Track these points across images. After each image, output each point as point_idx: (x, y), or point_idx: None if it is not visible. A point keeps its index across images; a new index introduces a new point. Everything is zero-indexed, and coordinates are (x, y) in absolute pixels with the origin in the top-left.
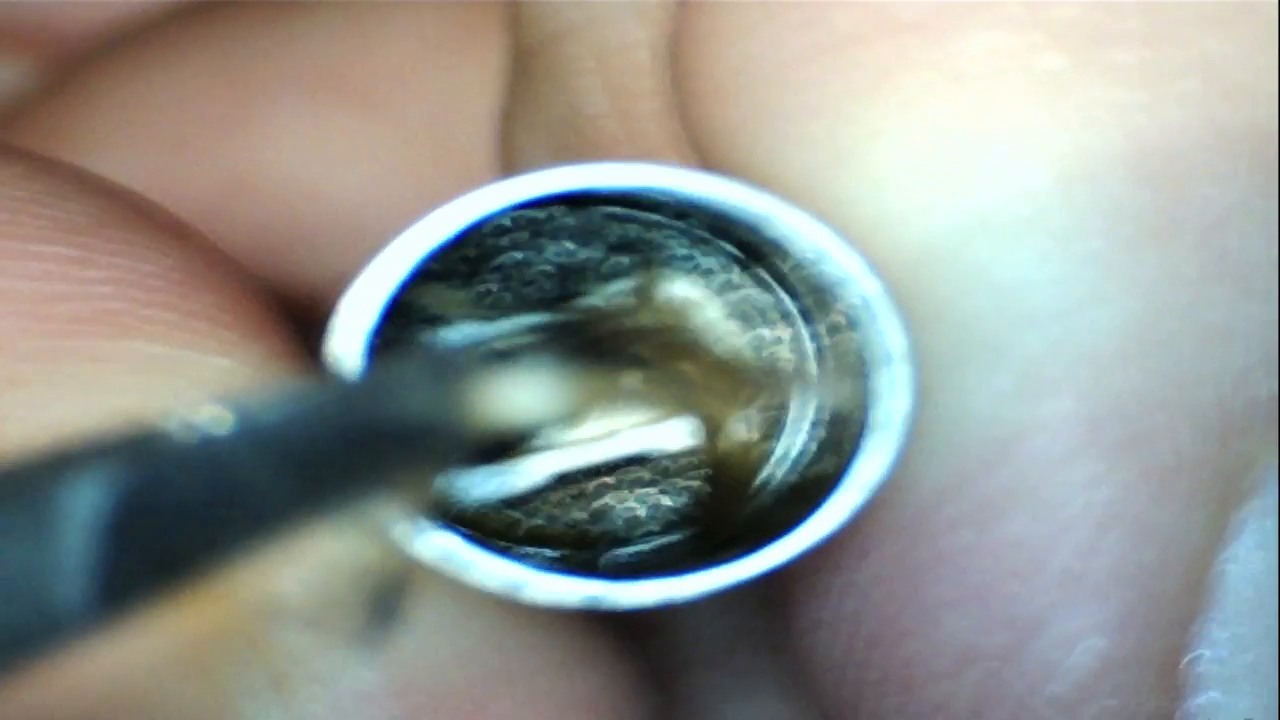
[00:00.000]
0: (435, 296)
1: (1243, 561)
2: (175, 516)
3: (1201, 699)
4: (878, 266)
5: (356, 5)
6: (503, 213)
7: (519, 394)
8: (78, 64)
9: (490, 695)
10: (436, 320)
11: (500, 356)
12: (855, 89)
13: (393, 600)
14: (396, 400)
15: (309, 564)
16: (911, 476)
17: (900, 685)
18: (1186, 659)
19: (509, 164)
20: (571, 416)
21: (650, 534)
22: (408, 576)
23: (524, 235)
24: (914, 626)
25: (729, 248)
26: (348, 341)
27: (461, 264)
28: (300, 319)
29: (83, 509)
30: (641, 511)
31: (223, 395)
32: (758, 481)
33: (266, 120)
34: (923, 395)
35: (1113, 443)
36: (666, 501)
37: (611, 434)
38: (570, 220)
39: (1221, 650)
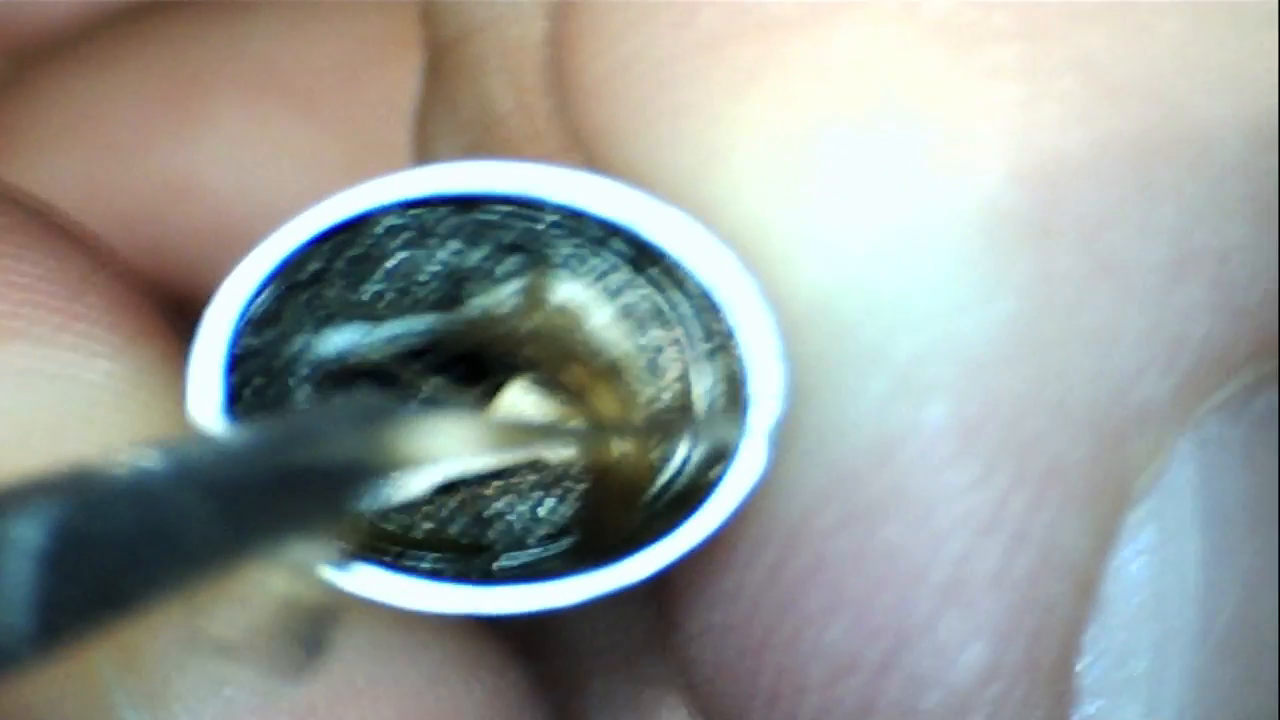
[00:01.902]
0: (321, 299)
1: (1129, 567)
2: (109, 550)
3: (1090, 708)
4: (749, 268)
5: (294, 6)
6: (377, 211)
7: (436, 436)
8: (15, 66)
9: (378, 705)
10: (323, 323)
11: (385, 373)
12: (725, 88)
13: (319, 631)
14: (319, 442)
15: (237, 597)
16: (787, 482)
17: (777, 695)
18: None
19: (422, 161)
20: (486, 454)
21: (541, 540)
22: (333, 608)
23: (412, 235)
24: (790, 635)
25: (620, 247)
26: (210, 346)
27: (349, 265)
28: None
29: (27, 539)
30: (531, 517)
31: (156, 436)
32: (655, 487)
33: (205, 121)
34: (798, 399)
35: (989, 447)
36: (557, 507)
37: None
38: (458, 220)
39: (1106, 658)
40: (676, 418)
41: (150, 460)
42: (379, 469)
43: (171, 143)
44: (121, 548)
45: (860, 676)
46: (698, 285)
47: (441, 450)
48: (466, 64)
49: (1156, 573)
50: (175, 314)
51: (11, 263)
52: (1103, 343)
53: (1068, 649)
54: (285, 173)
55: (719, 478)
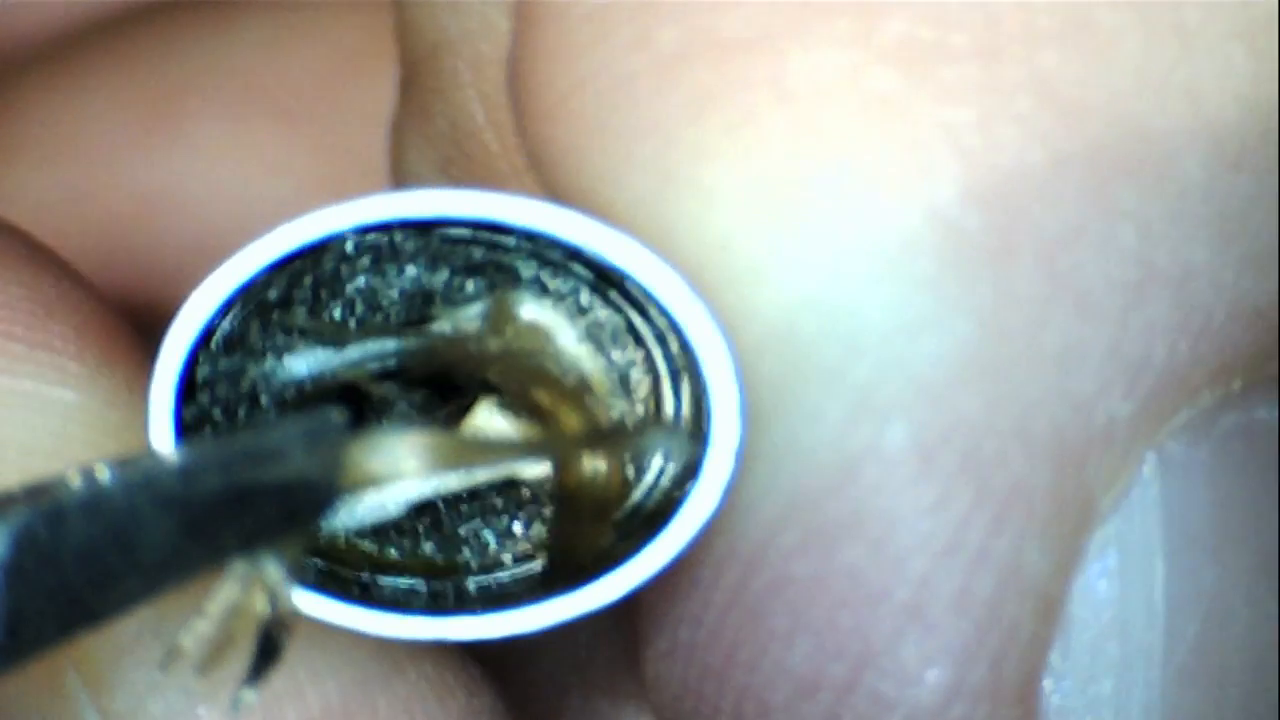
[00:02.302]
0: (281, 324)
1: (1094, 588)
2: (71, 561)
3: None
4: (705, 292)
5: (274, 18)
6: (337, 236)
7: (390, 454)
8: None
9: None
10: (289, 346)
11: (358, 396)
12: (682, 110)
13: (273, 642)
14: (276, 460)
15: (193, 608)
16: (749, 503)
17: (741, 714)
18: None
19: (398, 175)
20: (441, 472)
21: (509, 562)
22: (288, 620)
23: (374, 258)
24: (750, 657)
25: (580, 270)
26: (166, 370)
27: (313, 288)
28: None
29: None
30: (497, 541)
31: (117, 452)
32: (627, 508)
33: (184, 134)
34: (759, 420)
35: (949, 469)
36: (523, 530)
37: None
38: (413, 245)
39: (1072, 679)
40: (636, 428)
41: (109, 476)
42: (332, 486)
43: (150, 155)
44: (82, 559)
45: (824, 697)
46: (659, 309)
47: (395, 467)
48: (439, 78)
49: (1121, 593)
50: (151, 331)
51: None
52: (1063, 364)
53: (1032, 670)
54: (264, 185)
55: (680, 501)
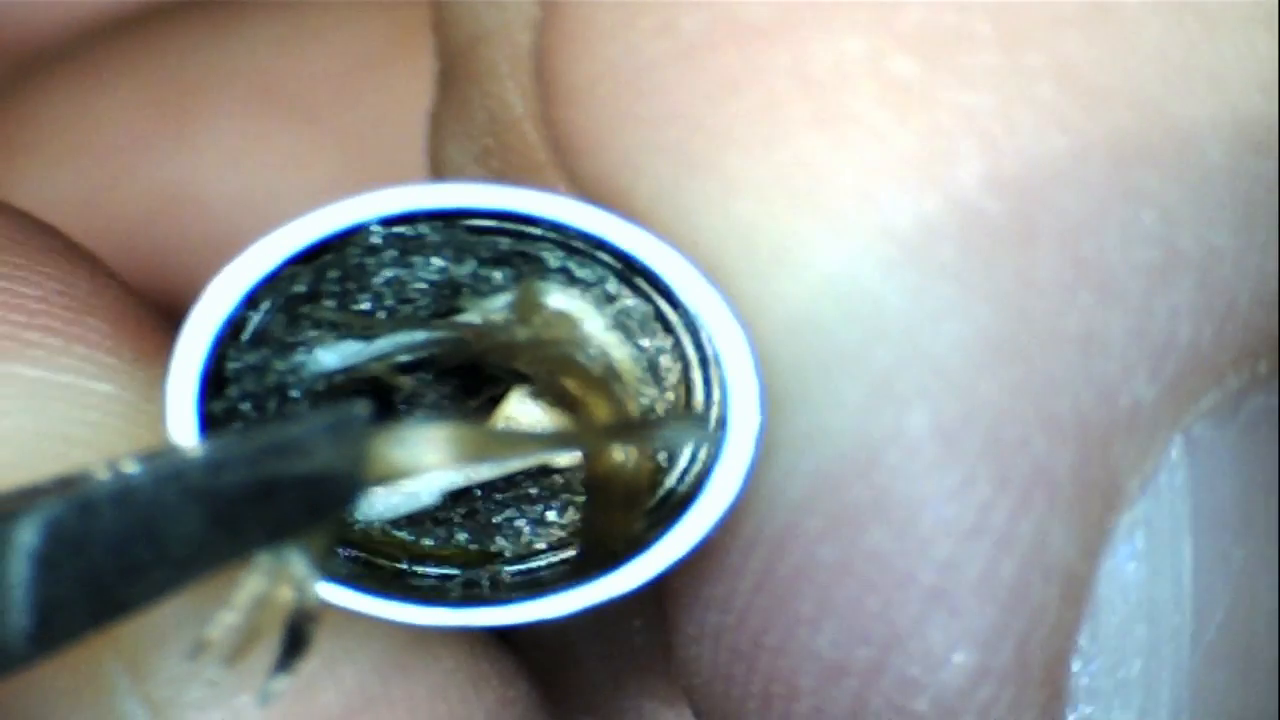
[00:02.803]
0: (310, 317)
1: (1122, 571)
2: (100, 552)
3: (1084, 710)
4: (724, 278)
5: (292, 15)
6: (359, 228)
7: (414, 447)
8: (13, 75)
9: (391, 713)
10: (318, 339)
11: (388, 389)
12: (704, 97)
13: (300, 633)
14: (301, 453)
15: (224, 599)
16: (771, 490)
17: (770, 697)
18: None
19: (436, 167)
20: (466, 464)
21: (544, 550)
22: (314, 611)
23: (394, 252)
24: (778, 641)
25: (607, 258)
26: (182, 364)
27: (340, 281)
28: None
29: (25, 541)
30: (531, 529)
31: (153, 444)
32: (660, 494)
33: (203, 130)
34: (782, 406)
35: (970, 455)
36: (557, 517)
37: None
38: (439, 236)
39: (1100, 661)
40: (658, 419)
41: (137, 468)
42: (357, 479)
43: (170, 152)
44: (111, 550)
45: (851, 680)
46: (681, 298)
47: (419, 460)
48: (477, 70)
49: (1149, 576)
50: (175, 328)
51: (16, 282)
52: (1087, 348)
53: (1060, 652)
54: (284, 182)
55: (702, 488)
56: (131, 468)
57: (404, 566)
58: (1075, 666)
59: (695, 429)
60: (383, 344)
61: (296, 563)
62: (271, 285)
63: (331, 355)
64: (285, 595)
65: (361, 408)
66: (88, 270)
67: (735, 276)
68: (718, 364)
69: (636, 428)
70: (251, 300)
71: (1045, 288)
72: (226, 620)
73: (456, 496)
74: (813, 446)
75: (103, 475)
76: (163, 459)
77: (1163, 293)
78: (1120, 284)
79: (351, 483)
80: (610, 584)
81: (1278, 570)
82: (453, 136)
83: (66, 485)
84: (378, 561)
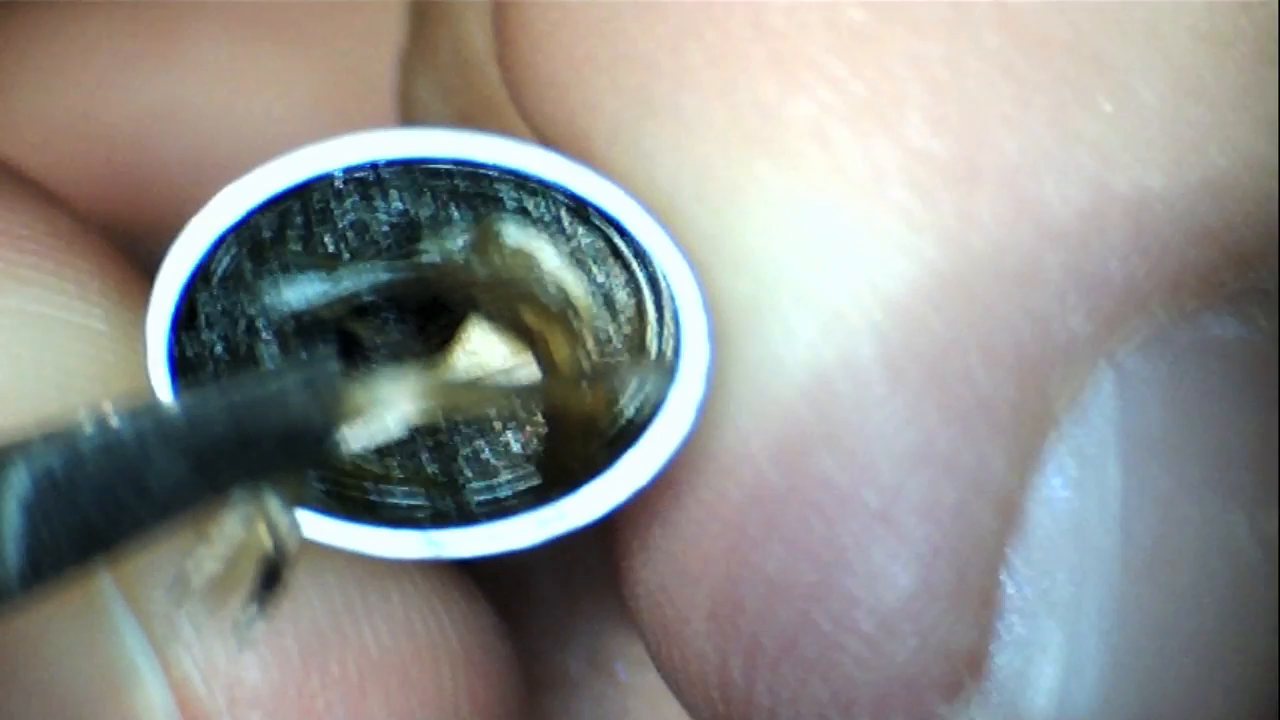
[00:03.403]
0: (276, 259)
1: (1053, 494)
2: (87, 497)
3: (1015, 628)
4: (681, 213)
5: None
6: (324, 176)
7: (386, 398)
8: None
9: (358, 645)
10: (284, 281)
11: (364, 331)
12: (662, 39)
13: (276, 572)
14: (277, 404)
15: (204, 539)
16: (723, 418)
17: (716, 618)
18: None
19: (404, 105)
20: (435, 412)
21: (508, 479)
22: (290, 552)
23: (355, 195)
24: (725, 564)
25: (560, 197)
26: (158, 308)
27: (304, 224)
28: None
29: (16, 486)
30: (495, 456)
31: (127, 394)
32: (620, 422)
33: (187, 52)
34: (733, 340)
35: (914, 385)
36: (520, 446)
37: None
38: (398, 180)
39: (1031, 580)
40: (623, 359)
41: (121, 419)
42: (331, 428)
43: (151, 75)
44: (97, 496)
45: (796, 599)
46: (633, 236)
47: (390, 410)
48: (445, 11)
49: (1078, 498)
50: (153, 257)
51: (8, 222)
52: (1026, 283)
53: (993, 570)
54: (265, 105)
55: (655, 415)
56: (116, 420)
57: (373, 498)
58: (1007, 582)
59: (654, 372)
60: (348, 284)
61: (272, 505)
62: (238, 230)
63: (298, 295)
64: (261, 536)
65: (333, 361)
66: (71, 217)
67: (691, 215)
68: (670, 297)
69: (600, 375)
70: (219, 245)
71: (987, 226)
72: (204, 560)
73: (423, 427)
74: (764, 376)
75: (89, 427)
76: (146, 412)
77: (1098, 232)
78: (1058, 223)
79: (325, 432)
80: (572, 508)
81: (1202, 496)
82: (421, 75)
83: (53, 436)
84: (347, 492)
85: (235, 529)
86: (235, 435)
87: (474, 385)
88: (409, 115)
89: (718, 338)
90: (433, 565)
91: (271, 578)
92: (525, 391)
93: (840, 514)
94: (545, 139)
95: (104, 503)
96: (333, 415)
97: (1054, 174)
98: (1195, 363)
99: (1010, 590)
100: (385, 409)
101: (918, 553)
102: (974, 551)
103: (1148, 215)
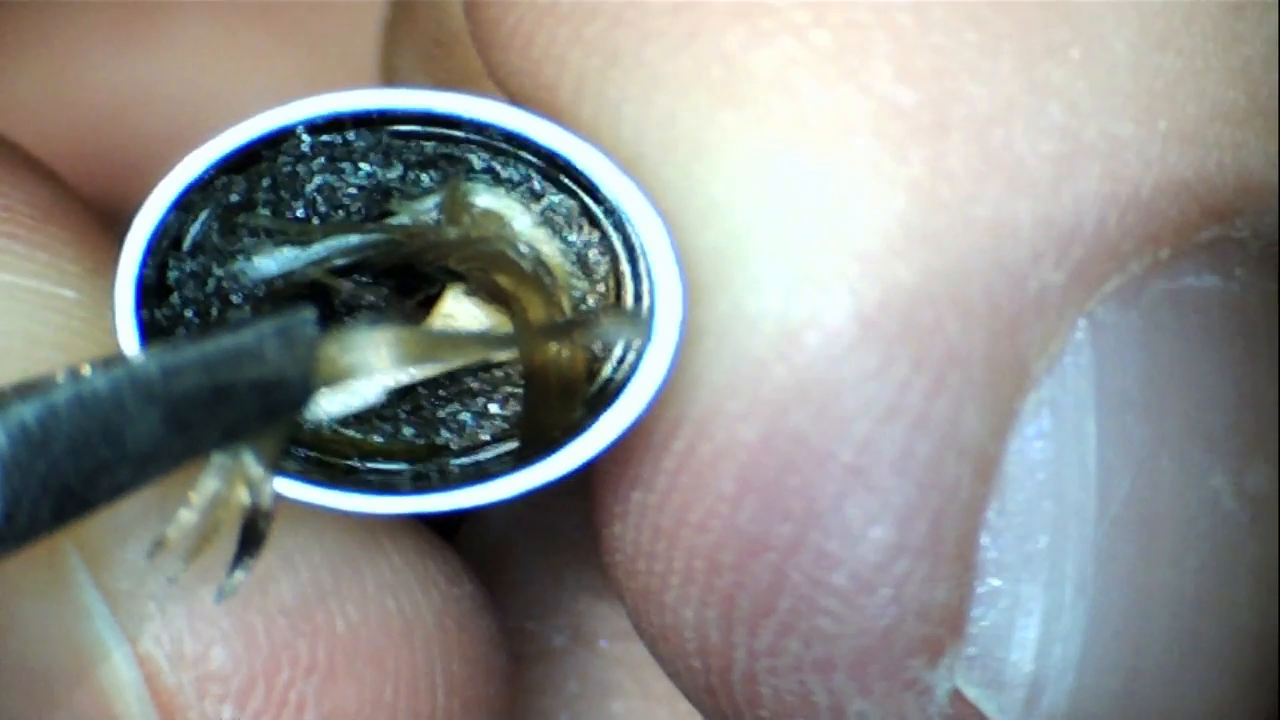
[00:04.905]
0: (246, 225)
1: (1029, 448)
2: (63, 455)
3: (993, 583)
4: (648, 166)
5: None
6: (286, 130)
7: (361, 350)
8: None
9: (342, 607)
10: (255, 247)
11: (325, 290)
12: None
13: (255, 530)
14: (253, 358)
15: (181, 498)
16: (694, 374)
17: (689, 576)
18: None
19: (387, 76)
20: (411, 365)
21: (488, 441)
22: (268, 510)
23: (323, 160)
24: (700, 518)
25: (530, 157)
26: (126, 272)
27: (272, 189)
28: None
29: None
30: (474, 421)
31: (105, 351)
32: (598, 382)
33: (168, 30)
34: (701, 295)
35: (886, 338)
36: (499, 410)
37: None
38: (366, 142)
39: (1008, 536)
40: (598, 314)
41: (96, 374)
42: (307, 382)
43: (131, 53)
44: (73, 452)
45: (770, 555)
46: (603, 191)
47: (367, 363)
48: None
49: (1055, 453)
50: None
51: None
52: (997, 234)
53: (970, 528)
54: (246, 83)
55: (631, 373)
56: (90, 374)
57: (355, 464)
58: (985, 541)
59: (627, 324)
60: (318, 249)
61: (250, 463)
62: (206, 193)
63: (269, 261)
64: (240, 494)
65: (309, 313)
66: (49, 183)
67: (657, 166)
68: (643, 254)
69: (572, 326)
70: (188, 208)
71: (957, 176)
72: (183, 520)
73: (402, 394)
74: (735, 331)
75: (63, 381)
76: (120, 365)
77: (1068, 181)
78: (1028, 173)
79: (302, 386)
80: (550, 466)
81: (1179, 447)
82: (402, 47)
83: (28, 391)
84: (329, 460)
85: (214, 487)
86: (210, 386)
87: (450, 335)
88: (391, 83)
89: (690, 293)
90: (412, 543)
91: (251, 536)
92: (501, 340)
93: (813, 469)
94: (514, 96)
95: (80, 459)
96: (309, 367)
97: (1023, 123)
98: (1171, 313)
99: (989, 549)
100: (361, 362)
101: (893, 508)
102: (950, 508)
103: (1118, 164)
